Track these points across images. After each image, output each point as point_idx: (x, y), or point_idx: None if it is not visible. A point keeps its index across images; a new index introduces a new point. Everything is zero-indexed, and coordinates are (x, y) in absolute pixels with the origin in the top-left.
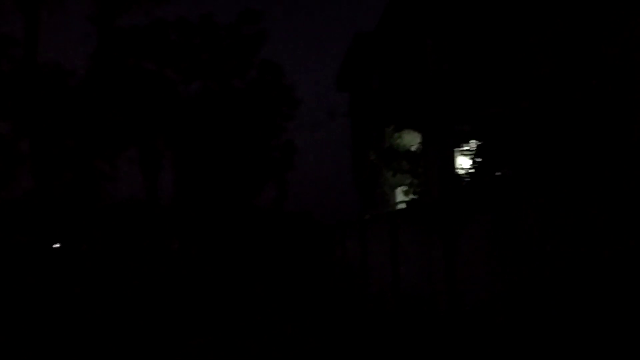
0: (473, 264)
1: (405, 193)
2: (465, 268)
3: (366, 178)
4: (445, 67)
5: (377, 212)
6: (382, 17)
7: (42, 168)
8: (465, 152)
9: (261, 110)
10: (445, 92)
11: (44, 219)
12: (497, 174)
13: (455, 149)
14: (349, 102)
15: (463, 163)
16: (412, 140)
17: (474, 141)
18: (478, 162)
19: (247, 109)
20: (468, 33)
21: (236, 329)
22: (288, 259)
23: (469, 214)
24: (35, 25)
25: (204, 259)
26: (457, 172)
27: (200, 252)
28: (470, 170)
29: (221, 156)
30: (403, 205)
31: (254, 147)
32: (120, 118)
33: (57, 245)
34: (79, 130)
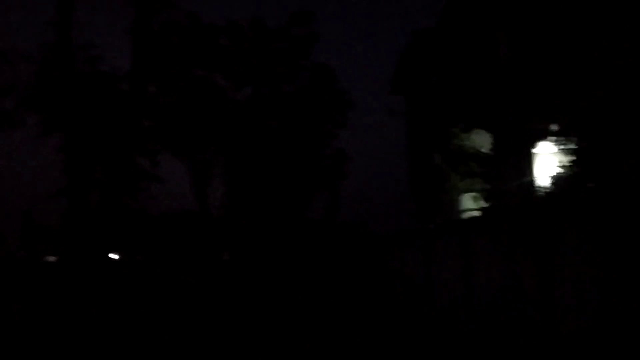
0: (573, 285)
1: (475, 199)
2: (562, 289)
3: (426, 184)
4: (520, 61)
5: (441, 220)
6: (444, 11)
7: (76, 164)
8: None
9: (313, 116)
10: (521, 87)
11: (103, 228)
12: (597, 179)
13: (533, 151)
14: (404, 105)
15: (545, 165)
16: (482, 141)
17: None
18: (571, 165)
19: (298, 115)
20: (547, 22)
21: (292, 347)
22: (342, 272)
23: (566, 226)
24: (69, 9)
25: (255, 271)
26: (536, 176)
27: (251, 263)
28: (560, 174)
29: (272, 165)
30: (473, 213)
31: (304, 155)
32: (168, 128)
33: (115, 256)
34: (118, 128)
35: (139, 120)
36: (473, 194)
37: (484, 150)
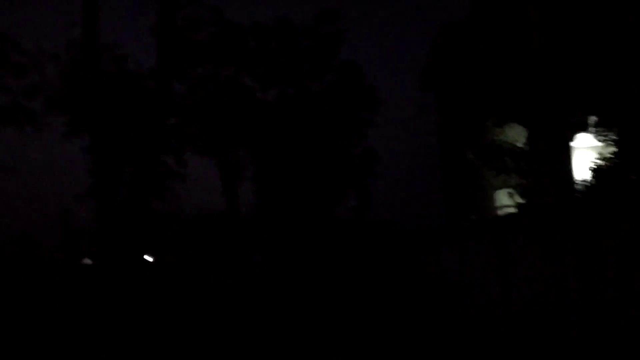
0: (620, 285)
1: (510, 196)
2: (608, 288)
3: (459, 180)
4: (557, 50)
5: (475, 217)
6: (474, 1)
7: (102, 164)
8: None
9: (341, 115)
10: (558, 78)
11: (132, 229)
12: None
13: (571, 144)
14: (435, 101)
15: (584, 158)
16: (516, 135)
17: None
18: (612, 157)
19: (326, 113)
20: (587, 6)
21: (323, 349)
22: (374, 272)
23: (610, 220)
24: (95, 8)
25: (286, 272)
26: (575, 170)
27: (282, 264)
28: (600, 166)
29: (300, 165)
30: (509, 210)
31: (333, 155)
32: (195, 126)
33: (149, 258)
34: (144, 127)
35: (164, 118)
36: (508, 190)
37: (518, 144)
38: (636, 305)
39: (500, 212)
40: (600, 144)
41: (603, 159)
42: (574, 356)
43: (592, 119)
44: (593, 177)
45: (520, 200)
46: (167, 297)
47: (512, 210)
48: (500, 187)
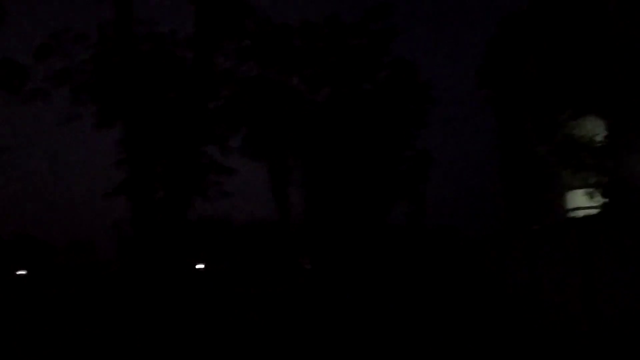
0: None
1: (589, 195)
2: None
3: (525, 181)
4: None
5: (546, 220)
6: None
7: (137, 155)
8: None
9: (394, 115)
10: None
11: (171, 231)
12: None
13: None
14: (493, 98)
15: None
16: (594, 128)
17: None
18: None
19: (378, 114)
20: None
21: None
22: (429, 280)
23: None
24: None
25: (336, 280)
26: None
27: (332, 272)
28: None
29: (351, 169)
30: (586, 211)
31: (386, 158)
32: (250, 130)
33: (201, 265)
34: (182, 111)
35: (204, 102)
36: (586, 189)
37: (598, 138)
38: None
39: (574, 214)
40: None
41: None
42: None
43: None
44: None
45: (601, 200)
46: (215, 305)
47: (592, 211)
48: (576, 187)
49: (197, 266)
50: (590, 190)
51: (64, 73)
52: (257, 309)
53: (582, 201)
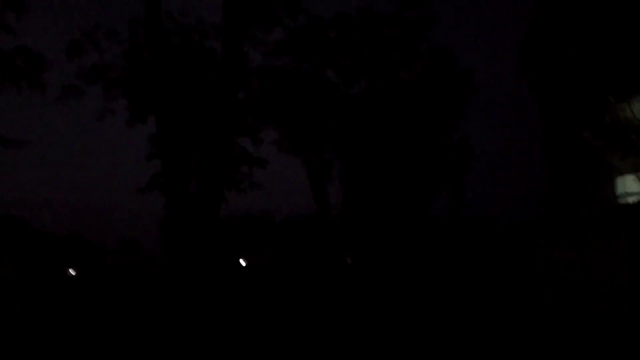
0: None
1: None
2: None
3: (571, 167)
4: None
5: (596, 207)
6: None
7: (171, 149)
8: None
9: (433, 104)
10: None
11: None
12: None
13: None
14: (533, 82)
15: None
16: None
17: None
18: None
19: (417, 105)
20: None
21: None
22: (472, 272)
23: None
24: None
25: (378, 275)
26: None
27: (373, 266)
28: None
29: (390, 162)
30: (637, 198)
31: (425, 149)
32: (283, 125)
33: (243, 262)
34: (214, 103)
35: (235, 92)
36: (635, 174)
37: None
38: None
39: (624, 200)
40: None
41: None
42: None
43: None
44: None
45: None
46: (255, 301)
47: None
48: (625, 171)
49: (241, 262)
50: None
51: (96, 70)
52: (300, 303)
53: (632, 186)
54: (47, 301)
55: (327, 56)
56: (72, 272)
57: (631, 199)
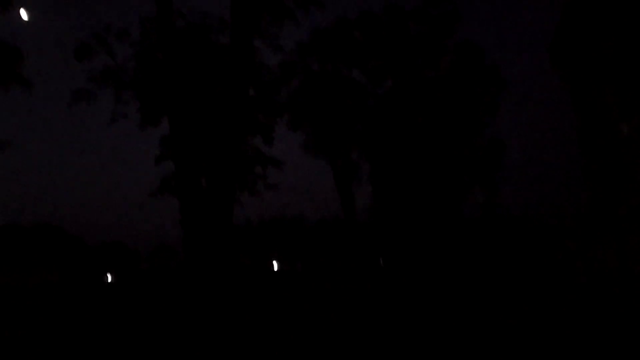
0: None
1: None
2: None
3: (607, 163)
4: None
5: (630, 204)
6: None
7: (183, 151)
8: None
9: (462, 101)
10: None
11: (262, 241)
12: None
13: None
14: (566, 75)
15: None
16: None
17: None
18: None
19: (445, 102)
20: None
21: None
22: (507, 273)
23: None
24: None
25: (411, 276)
26: None
27: (406, 269)
28: None
29: (420, 162)
30: None
31: (456, 148)
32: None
33: (276, 266)
34: (224, 101)
35: (245, 89)
36: None
37: None
38: None
39: None
40: None
41: None
42: None
43: None
44: None
45: None
46: (286, 306)
47: None
48: None
49: (274, 266)
50: None
51: (107, 72)
52: (334, 306)
53: None
54: (85, 307)
55: (352, 56)
56: (109, 277)
57: None
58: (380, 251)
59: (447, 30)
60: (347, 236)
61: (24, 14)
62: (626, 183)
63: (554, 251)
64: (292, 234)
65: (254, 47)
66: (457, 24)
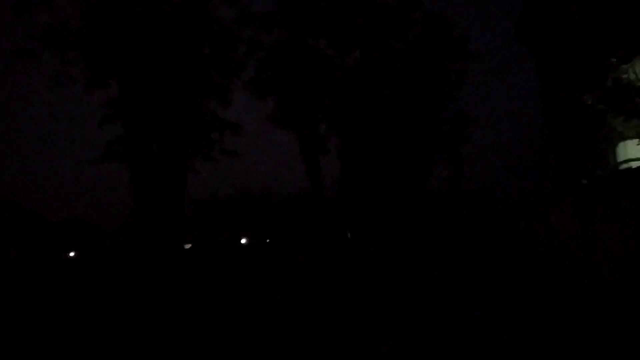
0: None
1: None
2: None
3: (572, 132)
4: None
5: (600, 174)
6: None
7: (133, 112)
8: None
9: (429, 74)
10: None
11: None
12: None
13: None
14: (532, 48)
15: None
16: None
17: None
18: None
19: (413, 75)
20: None
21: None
22: (471, 244)
23: None
24: None
25: (377, 248)
26: None
27: (373, 240)
28: None
29: (387, 135)
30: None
31: (422, 122)
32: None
33: (244, 240)
34: (176, 61)
35: (198, 48)
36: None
37: None
38: None
39: (627, 166)
40: None
41: None
42: None
43: None
44: None
45: None
46: (256, 277)
47: None
48: (629, 136)
49: (242, 241)
50: None
51: (50, 30)
52: (302, 277)
53: (635, 152)
54: (43, 283)
55: (319, 26)
56: (70, 254)
57: (635, 165)
58: (348, 224)
59: (415, 2)
60: (316, 210)
61: None
62: (588, 155)
63: (517, 221)
64: (260, 209)
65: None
66: None
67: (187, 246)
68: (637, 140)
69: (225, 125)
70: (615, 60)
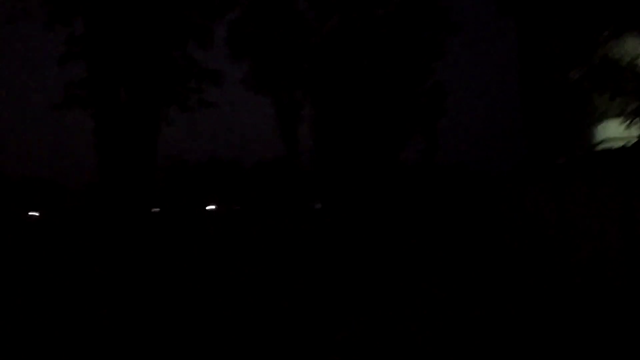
0: None
1: (625, 125)
2: None
3: (551, 110)
4: None
5: (578, 153)
6: None
7: (99, 50)
8: None
9: (409, 44)
10: None
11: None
12: None
13: None
14: (513, 22)
15: None
16: (636, 47)
17: None
18: None
19: (391, 44)
20: None
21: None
22: (442, 219)
23: None
24: None
25: (347, 220)
26: None
27: (343, 212)
28: None
29: (363, 105)
30: (623, 143)
31: (399, 93)
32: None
33: (212, 207)
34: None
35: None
36: (622, 117)
37: None
38: None
39: (606, 146)
40: None
41: None
42: None
43: None
44: None
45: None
46: (222, 245)
47: (630, 142)
48: (610, 115)
49: (209, 207)
50: (629, 118)
51: None
52: (268, 247)
53: (616, 131)
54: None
55: None
56: (34, 214)
57: (615, 145)
58: (320, 193)
59: None
60: (287, 178)
61: None
62: (566, 133)
63: (489, 198)
64: (230, 176)
65: None
66: None
67: (155, 210)
68: (619, 119)
69: (204, 73)
70: (603, 37)
